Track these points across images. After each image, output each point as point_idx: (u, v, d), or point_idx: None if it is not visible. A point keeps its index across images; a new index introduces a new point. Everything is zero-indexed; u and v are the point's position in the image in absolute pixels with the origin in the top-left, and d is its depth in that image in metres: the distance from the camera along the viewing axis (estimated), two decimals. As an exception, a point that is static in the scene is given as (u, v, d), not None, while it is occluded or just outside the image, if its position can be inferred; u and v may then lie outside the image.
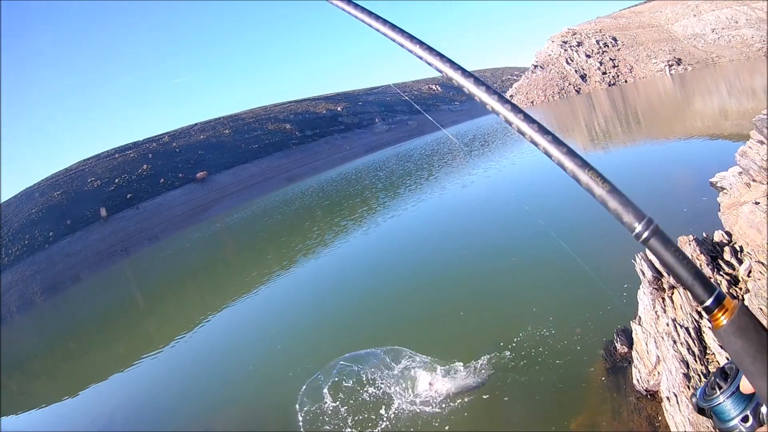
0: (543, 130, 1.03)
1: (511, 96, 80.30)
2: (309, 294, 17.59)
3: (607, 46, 71.87)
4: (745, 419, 1.11)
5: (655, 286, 6.87)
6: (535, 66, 79.76)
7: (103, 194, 67.15)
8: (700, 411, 1.25)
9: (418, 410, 8.11)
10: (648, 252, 5.79)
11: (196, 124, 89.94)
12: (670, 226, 8.23)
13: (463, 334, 10.20)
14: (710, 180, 11.42)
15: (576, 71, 72.39)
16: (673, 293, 6.75)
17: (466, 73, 1.10)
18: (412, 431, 7.61)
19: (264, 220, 44.09)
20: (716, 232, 7.25)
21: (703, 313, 4.66)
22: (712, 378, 1.21)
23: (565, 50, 75.13)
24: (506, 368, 8.56)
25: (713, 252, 6.79)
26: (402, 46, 1.13)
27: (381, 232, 23.07)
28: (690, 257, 0.94)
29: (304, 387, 9.83)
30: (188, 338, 17.68)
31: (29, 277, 51.77)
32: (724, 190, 10.40)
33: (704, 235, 7.09)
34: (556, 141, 1.01)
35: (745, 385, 1.09)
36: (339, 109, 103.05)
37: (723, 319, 0.94)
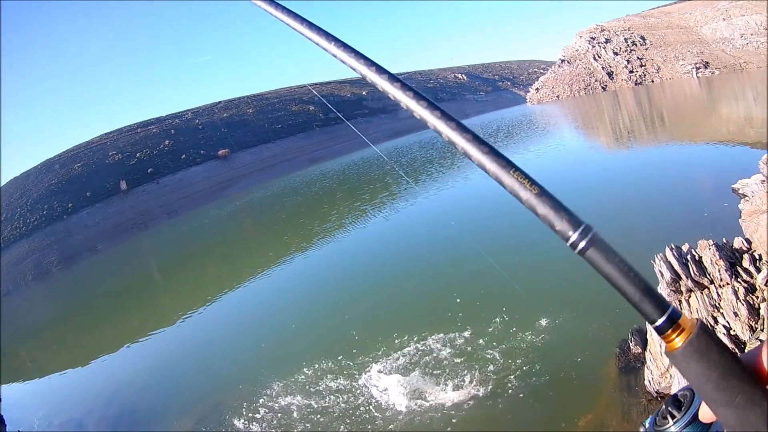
0: (465, 131, 0.85)
1: (537, 89, 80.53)
2: (325, 278, 17.34)
3: (635, 44, 70.20)
4: None
5: (673, 288, 6.73)
6: (562, 60, 78.42)
7: (124, 168, 66.98)
8: None
9: (431, 401, 8.09)
10: (668, 252, 6.87)
11: (220, 102, 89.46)
12: (690, 229, 8.63)
13: (478, 322, 10.18)
14: (732, 186, 11.40)
15: (603, 68, 70.89)
16: (690, 296, 6.67)
17: (380, 69, 0.92)
18: (424, 422, 7.63)
19: (284, 201, 43.82)
20: (736, 238, 7.18)
21: (654, 334, 6.39)
22: (663, 407, 1.03)
23: (593, 46, 73.53)
24: (519, 361, 8.59)
25: (732, 258, 6.70)
26: (318, 44, 0.99)
27: (400, 218, 22.66)
28: (636, 271, 0.77)
29: (313, 367, 9.99)
30: (202, 314, 17.49)
31: (46, 247, 51.83)
32: (746, 197, 10.49)
33: (724, 240, 6.95)
34: (477, 140, 0.85)
35: (705, 414, 0.94)
36: (364, 93, 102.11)
37: (678, 341, 0.83)
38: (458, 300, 11.65)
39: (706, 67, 60.14)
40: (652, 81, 64.66)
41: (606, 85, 69.44)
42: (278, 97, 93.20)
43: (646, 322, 0.77)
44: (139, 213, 58.71)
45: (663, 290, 6.80)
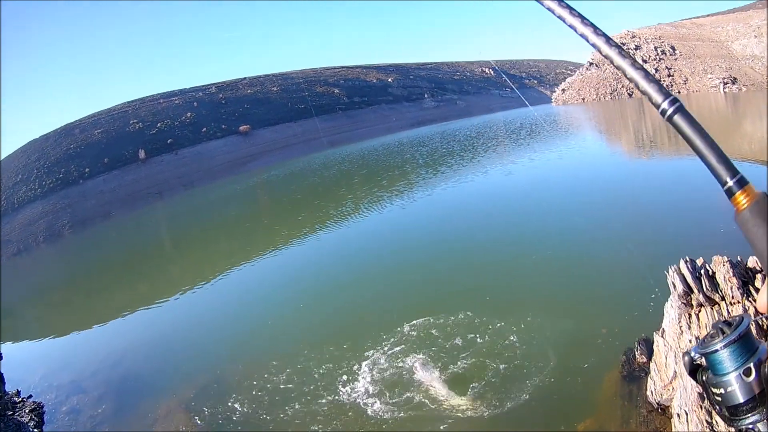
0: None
1: (563, 90, 79.64)
2: (335, 260, 17.44)
3: (665, 53, 68.99)
4: (746, 372, 1.10)
5: (684, 301, 6.73)
6: (591, 63, 77.25)
7: (143, 137, 66.70)
8: (693, 372, 1.22)
9: (429, 398, 8.15)
10: (682, 265, 6.95)
11: (245, 78, 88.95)
12: (706, 243, 8.90)
13: (485, 319, 10.27)
14: None
15: (631, 75, 69.95)
16: (700, 311, 6.62)
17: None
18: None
19: (301, 181, 43.64)
20: (751, 257, 6.93)
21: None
22: (711, 330, 1.18)
23: (623, 52, 72.77)
24: (523, 361, 8.71)
25: (745, 277, 6.61)
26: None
27: (416, 208, 22.63)
28: (713, 139, 1.03)
29: (314, 348, 10.41)
30: (210, 287, 17.52)
31: (60, 210, 51.81)
32: None
33: (738, 258, 6.85)
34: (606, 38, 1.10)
35: (762, 303, 1.10)
36: (390, 80, 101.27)
37: (745, 203, 0.98)
38: (465, 296, 11.73)
39: (733, 83, 58.93)
40: (679, 92, 63.51)
41: (632, 92, 68.39)
42: (304, 77, 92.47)
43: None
44: (156, 182, 58.54)
45: (674, 302, 6.91)
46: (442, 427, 7.44)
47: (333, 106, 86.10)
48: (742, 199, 0.97)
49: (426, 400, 8.13)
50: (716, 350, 1.10)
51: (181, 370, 11.32)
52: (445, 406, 7.85)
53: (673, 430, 5.97)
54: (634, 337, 8.33)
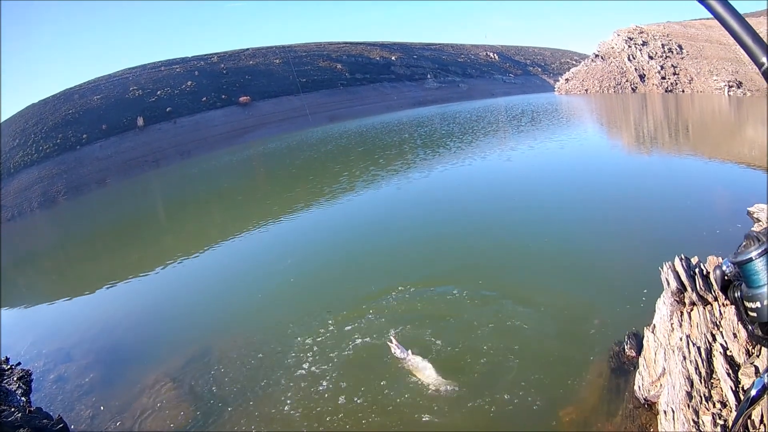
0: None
1: (567, 80, 79.11)
2: (326, 235, 17.60)
3: (672, 51, 68.45)
4: None
5: (677, 299, 6.81)
6: (596, 55, 76.68)
7: (143, 104, 66.21)
8: (724, 288, 1.19)
9: (410, 388, 8.04)
10: (677, 262, 7.00)
11: (248, 49, 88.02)
12: (701, 243, 9.25)
13: (474, 304, 10.43)
14: (748, 209, 11.07)
15: (636, 69, 69.17)
16: (692, 310, 6.69)
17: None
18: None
19: (298, 154, 43.55)
20: None
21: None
22: (744, 241, 1.15)
23: (629, 47, 71.77)
24: (508, 347, 8.71)
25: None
26: None
27: (411, 188, 22.77)
28: (746, 20, 1.09)
29: (302, 321, 10.62)
30: (202, 257, 17.59)
31: (55, 176, 51.56)
32: (759, 222, 10.37)
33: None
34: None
35: None
36: (393, 58, 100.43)
37: None
38: (456, 275, 11.97)
39: (738, 87, 58.63)
40: (683, 91, 63.46)
41: (636, 87, 68.15)
42: (307, 51, 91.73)
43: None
44: (153, 150, 58.28)
45: (666, 299, 6.99)
46: (420, 412, 7.40)
47: (335, 81, 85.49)
48: None
49: (408, 379, 8.20)
50: (750, 259, 1.07)
51: (170, 340, 11.49)
52: (427, 389, 7.85)
53: (659, 427, 5.94)
54: (625, 331, 8.37)
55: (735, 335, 6.01)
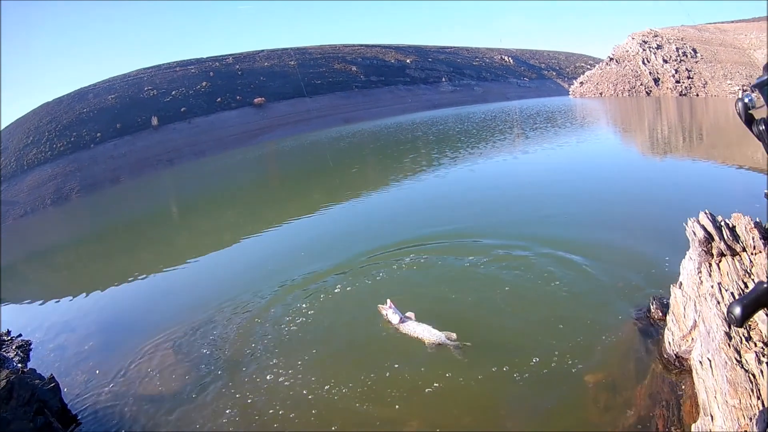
0: None
1: (582, 83, 78.76)
2: (343, 236, 16.67)
3: (686, 55, 67.75)
4: None
5: (705, 248, 6.74)
6: (611, 59, 76.10)
7: (157, 104, 66.31)
8: (749, 122, 1.25)
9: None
10: (701, 216, 7.03)
11: (263, 50, 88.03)
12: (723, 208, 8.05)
13: (502, 266, 10.82)
14: (765, 191, 10.65)
15: (650, 73, 68.54)
16: (720, 261, 6.60)
17: None
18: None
19: (312, 154, 44.48)
20: None
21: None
22: (763, 71, 1.20)
23: (644, 50, 71.24)
24: (529, 311, 8.80)
25: (766, 236, 6.56)
26: None
27: (426, 186, 22.74)
28: None
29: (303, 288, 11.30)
30: (215, 257, 17.07)
31: (69, 173, 51.54)
32: None
33: (757, 219, 6.91)
34: None
35: None
36: (408, 61, 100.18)
37: None
38: (475, 232, 13.40)
39: (753, 91, 58.10)
40: (697, 95, 62.97)
41: (650, 90, 67.63)
42: (322, 53, 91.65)
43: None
44: (167, 150, 58.21)
45: (693, 252, 6.94)
46: (442, 379, 7.25)
47: (349, 83, 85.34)
48: None
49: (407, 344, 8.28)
50: None
51: (173, 312, 11.74)
52: (440, 352, 7.82)
53: (696, 379, 5.80)
54: (648, 295, 8.42)
55: (768, 278, 5.88)
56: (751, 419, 4.50)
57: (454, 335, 7.80)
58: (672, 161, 23.79)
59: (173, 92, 69.89)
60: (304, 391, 7.47)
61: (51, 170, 51.92)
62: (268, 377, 8.02)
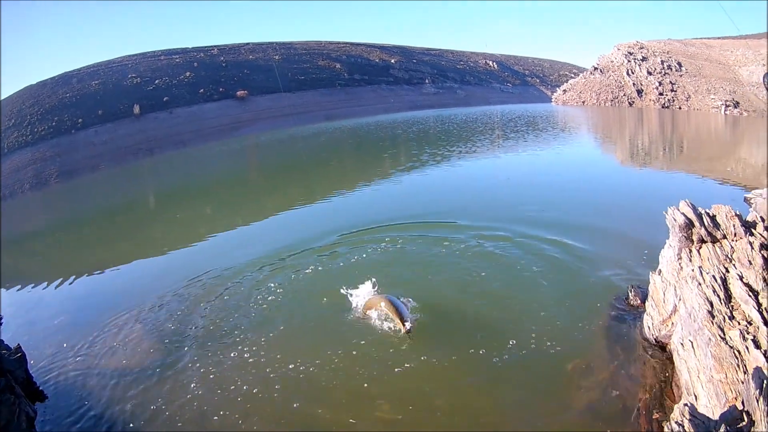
0: None
1: (565, 90, 79.85)
2: (318, 231, 16.52)
3: (671, 68, 69.03)
4: None
5: (685, 234, 6.90)
6: (595, 68, 77.34)
7: (140, 92, 66.16)
8: None
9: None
10: (682, 204, 7.22)
11: (248, 43, 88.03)
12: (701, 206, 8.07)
13: (485, 260, 11.04)
14: (745, 195, 11.34)
15: (634, 84, 69.88)
16: (701, 247, 6.76)
17: None
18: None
19: (291, 149, 45.02)
20: (751, 212, 7.48)
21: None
22: None
23: (629, 61, 72.53)
24: (511, 299, 9.04)
25: (745, 225, 6.84)
26: None
27: (407, 182, 23.00)
28: None
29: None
30: (189, 251, 16.89)
31: (49, 159, 51.44)
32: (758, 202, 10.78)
33: (737, 211, 7.10)
34: None
35: None
36: (392, 61, 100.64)
37: None
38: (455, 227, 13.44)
39: (735, 106, 59.27)
40: (680, 108, 64.08)
41: (633, 101, 68.84)
42: (307, 49, 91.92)
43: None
44: (147, 139, 58.24)
45: (673, 239, 7.14)
46: (413, 359, 7.49)
47: (333, 80, 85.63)
48: None
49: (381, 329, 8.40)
50: None
51: (141, 292, 11.83)
52: (417, 342, 7.91)
53: (677, 362, 6.02)
54: (628, 284, 8.77)
55: (750, 262, 6.12)
56: (738, 394, 4.65)
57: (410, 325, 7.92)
58: (650, 171, 24.60)
59: (156, 81, 69.79)
60: (268, 369, 7.62)
61: (31, 154, 51.78)
62: (232, 354, 8.17)
